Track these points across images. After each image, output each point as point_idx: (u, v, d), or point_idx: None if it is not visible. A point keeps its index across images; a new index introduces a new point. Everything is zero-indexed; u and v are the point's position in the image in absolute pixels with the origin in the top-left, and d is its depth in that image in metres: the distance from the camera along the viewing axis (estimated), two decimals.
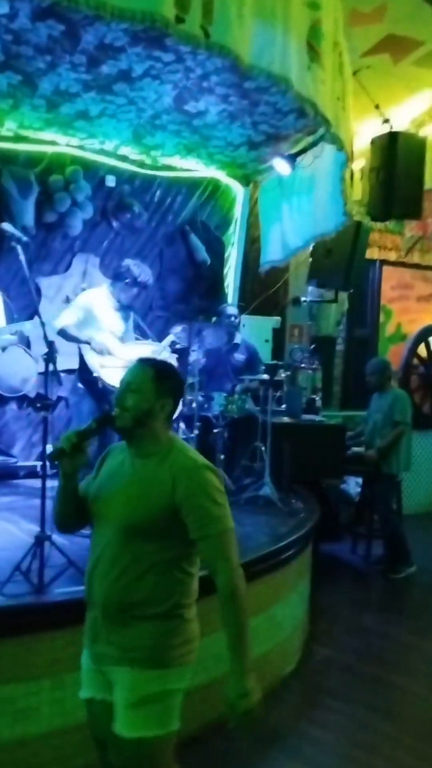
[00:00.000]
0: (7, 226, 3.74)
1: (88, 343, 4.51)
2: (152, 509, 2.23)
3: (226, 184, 7.30)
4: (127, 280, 4.63)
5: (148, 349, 4.75)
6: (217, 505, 2.25)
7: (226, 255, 7.43)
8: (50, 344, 3.57)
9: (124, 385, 2.34)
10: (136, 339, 5.08)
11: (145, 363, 2.40)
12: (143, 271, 4.65)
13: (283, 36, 3.80)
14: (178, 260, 7.13)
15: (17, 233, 3.69)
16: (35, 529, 3.69)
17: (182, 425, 5.57)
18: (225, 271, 7.45)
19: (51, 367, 3.55)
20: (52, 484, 3.58)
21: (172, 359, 4.65)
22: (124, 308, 4.79)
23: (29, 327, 4.50)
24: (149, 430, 2.31)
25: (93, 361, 4.56)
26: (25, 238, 3.69)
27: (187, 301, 7.12)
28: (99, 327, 4.57)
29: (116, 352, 4.55)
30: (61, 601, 3.37)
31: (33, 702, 3.14)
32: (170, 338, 4.87)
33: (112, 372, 4.47)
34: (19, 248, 3.61)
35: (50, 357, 3.51)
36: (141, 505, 2.24)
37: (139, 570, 2.24)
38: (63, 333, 4.63)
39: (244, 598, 2.25)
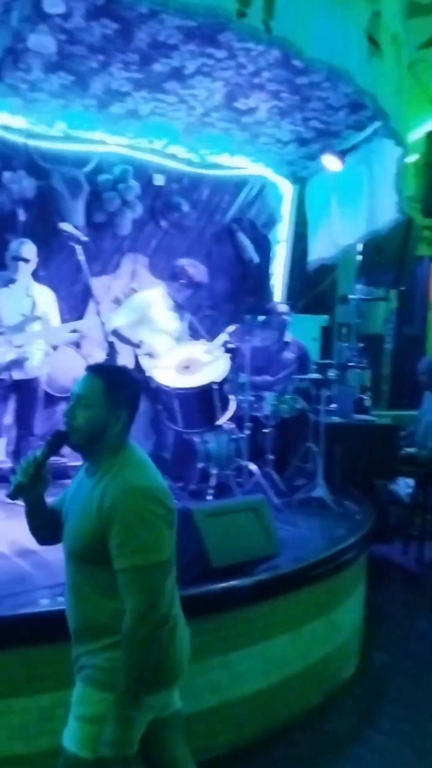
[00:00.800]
0: (66, 227, 3.73)
1: (137, 346, 4.48)
2: (85, 534, 2.09)
3: (274, 181, 7.24)
4: (182, 281, 4.59)
5: (201, 348, 4.71)
6: (136, 537, 2.01)
7: (273, 253, 7.36)
8: (110, 344, 3.55)
9: (74, 399, 2.18)
10: (191, 339, 5.04)
11: (95, 373, 2.21)
12: (199, 271, 4.61)
13: (343, 28, 3.74)
14: (225, 259, 7.09)
15: (77, 233, 3.69)
16: None
17: (233, 425, 5.52)
18: (272, 269, 7.39)
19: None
20: None
21: (226, 359, 4.58)
22: (180, 308, 4.76)
23: (88, 325, 4.50)
24: (104, 445, 2.17)
25: (146, 361, 4.54)
26: (84, 238, 3.67)
27: (235, 300, 7.09)
28: (154, 328, 4.55)
29: (167, 355, 4.52)
30: None
31: None
32: (223, 337, 4.82)
33: (164, 372, 4.44)
34: (78, 248, 3.59)
35: (111, 357, 3.48)
36: (79, 529, 2.12)
37: (95, 595, 2.11)
38: (116, 334, 4.62)
39: (140, 646, 2.00)
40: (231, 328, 4.91)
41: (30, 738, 2.96)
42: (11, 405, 4.88)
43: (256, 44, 3.91)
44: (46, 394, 6.26)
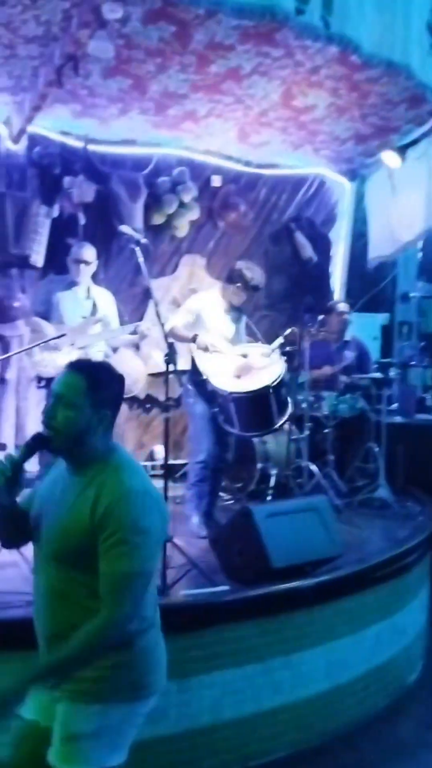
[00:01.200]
0: (126, 229, 3.76)
1: (193, 340, 4.47)
2: (74, 536, 1.98)
3: (332, 179, 7.17)
4: (238, 284, 4.56)
5: (257, 351, 4.67)
6: (128, 543, 1.93)
7: (332, 252, 7.30)
8: (170, 345, 3.57)
9: (54, 399, 2.04)
10: (247, 342, 5.01)
11: (76, 371, 2.07)
12: (255, 274, 4.56)
13: (403, 21, 3.67)
14: (283, 258, 7.05)
15: (136, 235, 3.72)
16: None
17: (292, 426, 5.49)
18: (332, 267, 7.32)
19: (171, 368, 3.54)
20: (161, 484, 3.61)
21: (282, 362, 4.53)
22: (235, 311, 4.73)
23: (146, 326, 4.52)
24: (87, 446, 2.04)
25: (203, 363, 4.53)
26: (143, 240, 3.69)
27: (294, 300, 7.04)
28: (207, 330, 4.54)
29: (223, 350, 4.50)
30: (185, 603, 3.35)
31: (161, 704, 3.12)
32: (279, 340, 4.77)
33: (220, 376, 4.42)
34: (138, 250, 3.62)
35: (170, 358, 3.50)
36: (66, 529, 2.00)
37: (75, 599, 2.00)
38: (171, 333, 4.58)
39: (94, 650, 1.95)
40: (288, 331, 4.86)
41: None
42: None
43: (314, 41, 3.86)
44: None
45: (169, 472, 5.47)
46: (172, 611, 3.31)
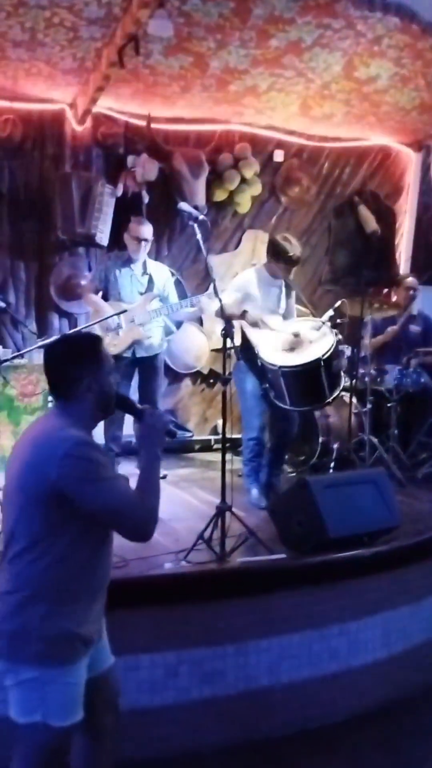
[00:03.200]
0: (184, 206, 3.83)
1: (242, 317, 4.48)
2: None
3: (397, 150, 7.07)
4: (276, 256, 4.53)
5: (307, 325, 4.64)
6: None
7: (397, 224, 7.20)
8: (227, 320, 3.63)
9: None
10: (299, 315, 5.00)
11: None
12: (290, 246, 4.52)
13: None
14: (347, 232, 7.00)
15: (194, 212, 3.77)
16: (212, 499, 3.77)
17: (354, 399, 5.49)
18: (397, 240, 7.23)
19: (229, 343, 3.61)
20: (229, 456, 3.70)
21: (332, 335, 4.50)
22: (283, 284, 4.72)
23: (205, 300, 4.58)
24: None
25: (254, 338, 4.54)
26: (201, 217, 3.75)
27: (358, 274, 6.99)
28: (258, 305, 4.53)
29: (273, 326, 4.49)
30: (242, 569, 3.45)
31: (219, 665, 3.24)
32: (329, 313, 4.74)
33: (270, 350, 4.42)
34: (196, 227, 3.68)
35: (228, 332, 3.57)
36: None
37: None
38: (223, 311, 4.59)
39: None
40: (338, 303, 4.83)
41: (156, 692, 3.13)
42: (134, 382, 5.07)
43: (371, 11, 3.82)
44: (170, 370, 6.49)
45: (232, 446, 5.61)
46: (230, 577, 3.45)
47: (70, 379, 2.15)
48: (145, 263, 5.03)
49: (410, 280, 6.16)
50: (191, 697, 3.20)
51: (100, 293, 4.98)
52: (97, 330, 4.61)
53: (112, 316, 4.52)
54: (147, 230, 5.00)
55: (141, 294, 4.90)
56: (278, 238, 4.61)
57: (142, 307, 4.84)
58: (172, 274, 6.12)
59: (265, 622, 3.33)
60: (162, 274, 5.12)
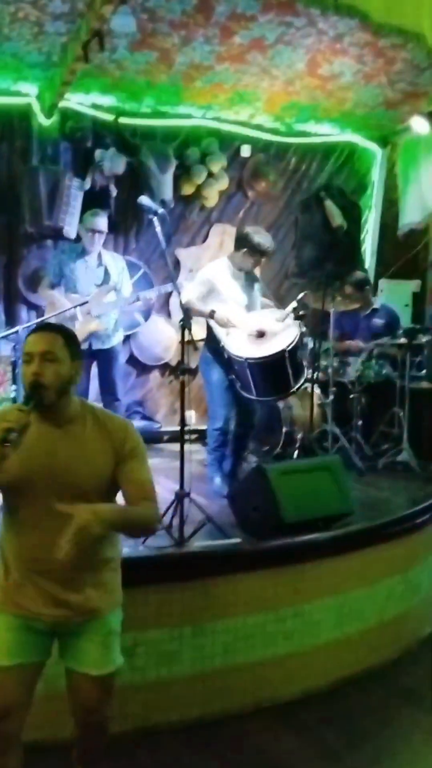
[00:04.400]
0: (144, 200, 3.89)
1: (211, 316, 4.57)
2: (104, 470, 2.25)
3: (363, 146, 7.19)
4: (246, 249, 4.62)
5: (272, 317, 4.73)
6: (144, 456, 2.35)
7: (363, 219, 7.32)
8: (185, 311, 3.72)
9: (38, 358, 2.19)
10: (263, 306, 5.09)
11: (50, 330, 2.29)
12: (263, 239, 4.61)
13: None
14: (313, 227, 7.09)
15: (153, 206, 3.84)
16: (176, 488, 3.86)
17: (317, 390, 5.60)
18: (362, 235, 7.35)
19: (196, 336, 3.68)
20: (191, 447, 3.79)
21: (296, 326, 4.61)
22: (248, 277, 4.81)
23: (151, 295, 4.69)
24: (68, 396, 2.25)
25: (219, 331, 4.63)
26: (161, 211, 3.83)
27: (324, 268, 7.09)
28: (222, 299, 4.60)
29: (240, 325, 4.58)
30: (199, 553, 3.55)
31: (175, 646, 3.34)
32: (293, 305, 4.84)
33: (236, 342, 4.52)
34: (155, 220, 3.76)
35: (185, 323, 3.65)
36: (96, 469, 2.24)
37: None
38: (187, 307, 4.65)
39: (136, 526, 2.33)
40: (301, 294, 4.94)
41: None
42: (93, 373, 5.16)
43: (324, 12, 3.91)
44: (139, 362, 6.57)
45: (200, 437, 5.70)
46: (188, 560, 3.54)
47: None
48: (100, 255, 5.09)
49: (359, 274, 6.25)
50: (148, 677, 3.29)
51: (55, 287, 5.04)
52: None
53: (72, 308, 4.58)
54: (102, 222, 5.06)
55: (97, 286, 4.97)
56: (250, 230, 4.70)
57: (98, 299, 4.90)
58: (139, 268, 6.22)
59: (221, 605, 3.43)
60: (117, 265, 5.18)
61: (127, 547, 3.44)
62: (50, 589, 2.24)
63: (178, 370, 3.80)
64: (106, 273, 5.03)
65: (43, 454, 2.22)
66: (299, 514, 3.68)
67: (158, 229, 3.74)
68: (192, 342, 3.79)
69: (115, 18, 4.43)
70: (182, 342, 3.72)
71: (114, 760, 2.58)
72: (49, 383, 2.18)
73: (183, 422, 3.81)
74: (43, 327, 2.35)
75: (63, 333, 2.28)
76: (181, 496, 3.73)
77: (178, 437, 3.88)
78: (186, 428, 3.83)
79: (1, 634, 2.28)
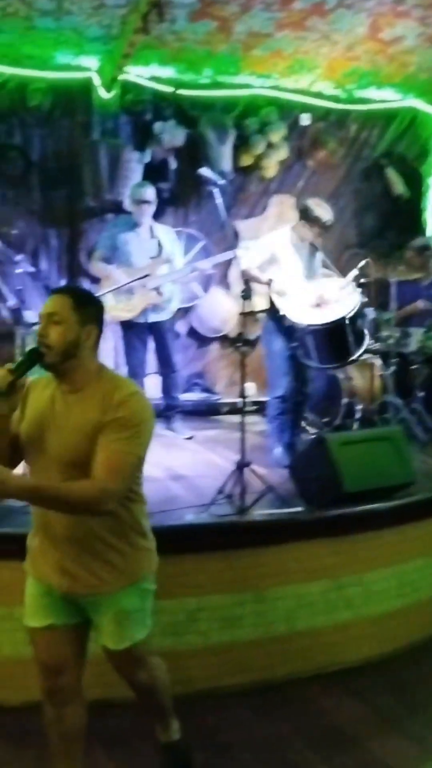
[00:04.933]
0: (204, 171, 3.92)
1: (268, 285, 4.58)
2: (88, 440, 2.16)
3: (425, 112, 7.01)
4: (307, 220, 4.61)
5: (332, 285, 4.72)
6: (140, 433, 2.19)
7: (425, 187, 7.17)
8: (246, 282, 3.74)
9: (45, 319, 2.22)
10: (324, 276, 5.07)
11: (62, 292, 2.28)
12: (323, 210, 4.59)
13: None
14: (374, 195, 7.01)
15: (214, 177, 3.86)
16: (236, 458, 3.91)
17: (378, 361, 5.56)
18: (424, 203, 7.21)
19: (258, 306, 3.71)
20: (250, 419, 3.82)
21: (357, 294, 4.59)
22: (309, 247, 4.79)
23: (207, 265, 4.70)
24: (78, 361, 2.22)
25: (278, 299, 4.64)
26: (221, 181, 3.84)
27: (385, 237, 7.01)
28: (281, 268, 4.62)
29: (298, 293, 4.58)
30: (260, 521, 3.60)
31: (238, 612, 3.41)
32: (354, 273, 4.81)
33: (296, 310, 4.53)
34: (216, 192, 3.78)
35: (246, 294, 3.68)
36: (80, 437, 2.17)
37: None
38: (246, 274, 4.66)
39: (75, 505, 2.13)
40: (362, 262, 4.90)
41: (178, 635, 3.31)
42: (150, 345, 5.23)
43: None
44: (198, 334, 6.62)
45: (260, 409, 5.73)
46: (249, 528, 3.60)
47: None
48: (151, 227, 5.11)
49: (422, 240, 6.12)
50: (211, 641, 3.38)
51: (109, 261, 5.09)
52: (108, 297, 4.71)
53: (134, 281, 4.62)
54: (148, 192, 5.08)
55: (152, 258, 4.99)
56: (310, 203, 4.70)
57: (152, 271, 4.94)
58: (198, 240, 6.24)
59: (283, 572, 3.48)
60: (169, 236, 5.21)
61: (191, 515, 3.59)
62: (58, 559, 2.29)
63: (240, 341, 3.82)
64: (159, 245, 5.05)
65: (44, 419, 2.25)
66: (359, 484, 3.69)
67: (219, 200, 3.75)
68: (252, 313, 3.81)
69: None
70: (243, 313, 3.74)
71: (182, 720, 2.66)
72: (52, 344, 2.19)
73: (243, 394, 3.85)
74: (57, 289, 2.35)
75: (74, 296, 2.27)
76: (241, 466, 3.78)
77: (237, 409, 3.92)
78: (247, 400, 3.86)
79: (31, 597, 2.38)
